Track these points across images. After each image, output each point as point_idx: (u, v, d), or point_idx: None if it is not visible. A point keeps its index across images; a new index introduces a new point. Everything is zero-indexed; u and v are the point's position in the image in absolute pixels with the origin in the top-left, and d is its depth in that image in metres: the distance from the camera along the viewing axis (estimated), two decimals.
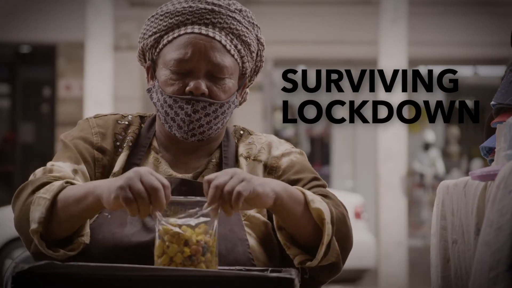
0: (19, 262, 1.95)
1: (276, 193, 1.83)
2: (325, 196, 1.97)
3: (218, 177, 1.77)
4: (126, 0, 11.18)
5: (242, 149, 2.11)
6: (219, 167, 2.07)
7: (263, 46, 2.11)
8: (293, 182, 2.02)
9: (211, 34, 2.00)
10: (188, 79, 2.00)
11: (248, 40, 2.04)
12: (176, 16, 2.02)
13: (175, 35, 2.02)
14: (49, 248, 1.89)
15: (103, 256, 1.92)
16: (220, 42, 2.00)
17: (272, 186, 1.83)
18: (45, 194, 1.90)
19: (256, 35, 2.08)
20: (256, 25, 2.09)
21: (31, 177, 2.00)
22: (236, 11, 2.03)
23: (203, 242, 1.78)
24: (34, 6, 12.01)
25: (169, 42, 2.03)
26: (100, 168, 2.06)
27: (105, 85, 9.85)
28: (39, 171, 2.01)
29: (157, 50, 2.05)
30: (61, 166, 2.01)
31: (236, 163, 2.08)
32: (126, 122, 2.11)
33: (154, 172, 1.78)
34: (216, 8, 2.01)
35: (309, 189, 2.00)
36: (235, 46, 2.02)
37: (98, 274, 1.74)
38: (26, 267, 1.74)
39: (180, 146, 2.07)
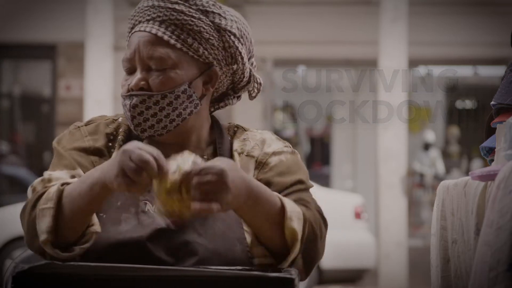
0: (19, 262, 1.95)
1: (241, 202, 1.85)
2: (303, 205, 1.98)
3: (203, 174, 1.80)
4: (126, 0, 11.18)
5: (236, 145, 2.11)
6: None
7: (226, 31, 2.06)
8: (275, 184, 2.04)
9: (147, 29, 2.03)
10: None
11: (195, 28, 2.02)
12: (131, 19, 2.09)
13: (129, 37, 2.09)
14: (64, 252, 1.90)
15: (98, 254, 1.92)
16: (155, 35, 2.02)
17: (243, 198, 1.85)
18: (46, 204, 1.91)
19: (212, 21, 2.05)
20: (213, 12, 2.05)
21: (30, 192, 2.00)
22: (179, 2, 2.04)
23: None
24: (34, 6, 12.01)
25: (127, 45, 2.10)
26: None
27: (105, 85, 9.85)
28: (37, 184, 2.01)
29: None
30: (58, 175, 2.02)
31: (231, 158, 2.08)
32: (116, 124, 2.13)
33: (141, 145, 1.81)
34: (156, 3, 2.05)
35: (290, 192, 2.01)
36: (178, 36, 2.02)
37: (98, 274, 1.74)
38: (26, 267, 1.74)
39: (158, 147, 2.07)
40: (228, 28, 2.05)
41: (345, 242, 9.01)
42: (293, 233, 1.90)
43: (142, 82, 2.02)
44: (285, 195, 2.00)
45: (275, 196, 1.93)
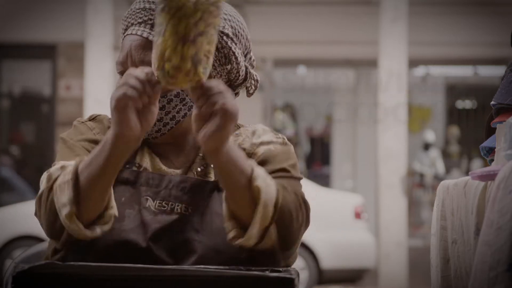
0: (19, 262, 1.95)
1: (224, 148, 1.83)
2: (281, 185, 1.94)
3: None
4: (126, 0, 11.18)
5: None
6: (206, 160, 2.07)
7: (218, 33, 2.06)
8: None
9: (139, 33, 2.03)
10: None
11: None
12: (124, 21, 2.09)
13: (122, 39, 2.09)
14: (86, 229, 1.87)
15: (100, 253, 1.92)
16: (147, 38, 2.02)
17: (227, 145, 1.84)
18: (64, 177, 1.88)
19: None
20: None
21: (44, 178, 1.97)
22: None
23: None
24: (34, 6, 12.02)
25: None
26: None
27: (105, 85, 9.85)
28: (55, 171, 1.96)
29: None
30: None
31: None
32: None
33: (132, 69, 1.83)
34: (147, 6, 2.05)
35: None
36: None
37: (98, 274, 1.74)
38: (26, 267, 1.74)
39: (157, 145, 2.07)
40: (220, 29, 2.04)
41: (345, 242, 9.02)
42: (257, 191, 1.85)
43: None
44: None
45: (249, 162, 1.91)
